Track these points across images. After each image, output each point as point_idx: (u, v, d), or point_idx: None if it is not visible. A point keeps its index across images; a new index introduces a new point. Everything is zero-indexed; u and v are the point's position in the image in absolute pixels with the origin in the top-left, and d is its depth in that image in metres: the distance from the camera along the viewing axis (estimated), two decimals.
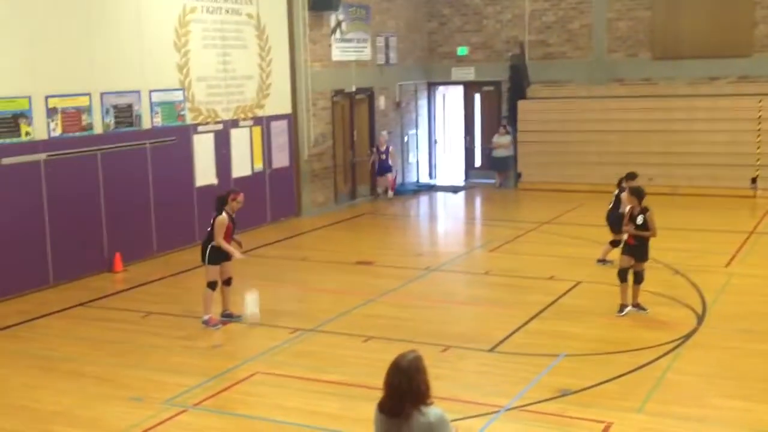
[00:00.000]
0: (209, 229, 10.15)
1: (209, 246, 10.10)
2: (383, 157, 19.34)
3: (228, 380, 8.40)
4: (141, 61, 13.64)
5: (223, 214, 10.04)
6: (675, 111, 19.11)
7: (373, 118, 20.00)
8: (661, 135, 19.17)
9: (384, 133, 19.61)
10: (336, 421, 7.36)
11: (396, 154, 20.12)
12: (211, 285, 10.16)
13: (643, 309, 10.25)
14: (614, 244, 12.42)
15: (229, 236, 10.12)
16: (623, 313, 10.15)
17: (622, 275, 10.23)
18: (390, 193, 19.50)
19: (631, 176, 12.21)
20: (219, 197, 10.33)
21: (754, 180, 18.47)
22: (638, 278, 10.24)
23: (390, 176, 19.50)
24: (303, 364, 8.83)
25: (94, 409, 7.79)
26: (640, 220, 10.09)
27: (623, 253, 10.32)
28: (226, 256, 10.20)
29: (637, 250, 10.19)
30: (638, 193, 10.25)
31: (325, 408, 7.64)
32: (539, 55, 21.06)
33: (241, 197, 10.28)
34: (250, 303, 10.60)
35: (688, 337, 9.37)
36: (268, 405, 7.79)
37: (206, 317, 10.15)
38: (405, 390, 4.27)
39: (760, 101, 18.43)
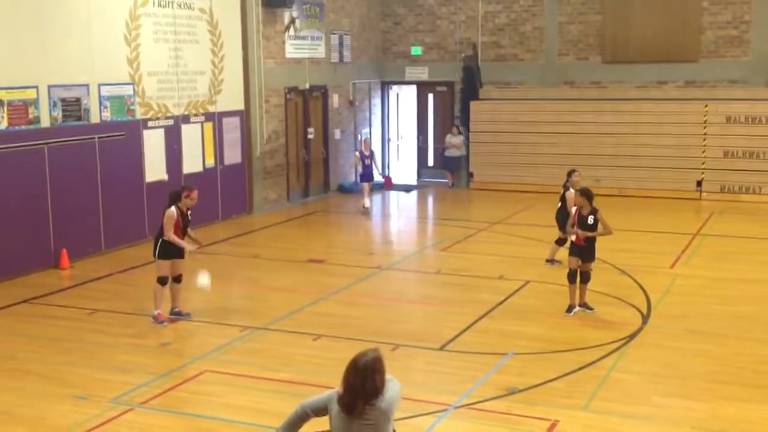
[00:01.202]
0: (160, 224, 10.05)
1: (160, 240, 10.00)
2: (367, 162, 17.75)
3: (176, 379, 8.33)
4: (90, 54, 13.43)
5: (172, 208, 9.94)
6: (624, 114, 19.42)
7: (326, 116, 19.96)
8: (610, 137, 19.46)
9: (366, 134, 18.79)
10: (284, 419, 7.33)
11: (377, 159, 18.57)
12: (161, 280, 10.06)
13: (590, 308, 10.40)
14: (560, 243, 12.61)
15: (179, 231, 10.02)
16: (571, 313, 10.30)
17: (572, 276, 10.37)
18: (367, 201, 17.63)
19: (570, 173, 12.50)
20: (172, 193, 10.24)
21: (699, 183, 18.84)
22: (585, 278, 10.39)
23: (369, 185, 17.77)
24: (252, 362, 8.79)
25: (37, 407, 7.67)
26: (591, 220, 10.23)
27: (571, 254, 10.45)
28: (177, 253, 10.11)
29: (585, 250, 10.34)
30: (588, 194, 10.38)
31: (275, 407, 7.60)
32: (492, 56, 21.23)
33: (194, 194, 10.19)
34: (201, 276, 10.34)
35: (633, 336, 9.54)
36: (217, 404, 7.74)
37: (155, 312, 10.06)
38: (359, 389, 4.34)
39: (706, 106, 18.82)
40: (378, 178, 18.83)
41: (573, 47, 20.64)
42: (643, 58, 19.87)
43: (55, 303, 11.10)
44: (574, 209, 10.51)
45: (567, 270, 10.47)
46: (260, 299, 11.47)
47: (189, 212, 10.20)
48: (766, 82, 19.08)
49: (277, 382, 8.21)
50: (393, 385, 4.55)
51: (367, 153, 17.83)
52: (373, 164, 17.84)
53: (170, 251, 10.05)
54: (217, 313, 10.59)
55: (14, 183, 12.20)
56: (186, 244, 10.09)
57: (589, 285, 10.49)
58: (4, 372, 8.56)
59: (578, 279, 10.38)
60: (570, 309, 10.34)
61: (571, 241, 10.48)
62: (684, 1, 19.44)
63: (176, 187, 10.70)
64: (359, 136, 21.30)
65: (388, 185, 19.03)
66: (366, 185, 17.69)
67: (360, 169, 18.03)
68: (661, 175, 19.03)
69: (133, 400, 7.79)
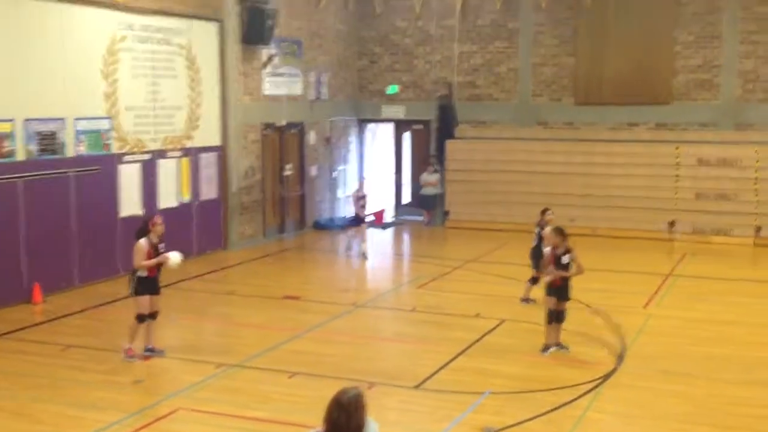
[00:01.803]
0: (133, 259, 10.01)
1: (136, 277, 9.94)
2: (362, 204, 17.04)
3: (149, 416, 8.24)
4: (67, 89, 13.42)
5: (142, 240, 9.90)
6: (596, 155, 19.67)
7: (303, 152, 20.02)
8: (582, 178, 19.69)
9: (363, 178, 17.95)
10: None
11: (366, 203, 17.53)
12: (139, 318, 9.98)
13: (565, 348, 10.45)
14: (533, 281, 12.69)
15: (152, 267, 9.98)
16: (548, 353, 10.33)
17: (551, 316, 10.40)
18: (364, 245, 17.01)
19: (544, 211, 12.69)
20: (138, 230, 10.18)
21: (671, 224, 19.07)
22: (560, 317, 10.45)
23: (362, 228, 17.23)
24: (227, 400, 8.72)
25: None
26: (566, 259, 10.32)
27: (548, 294, 10.49)
28: (152, 290, 10.03)
29: (561, 290, 10.41)
30: (563, 233, 10.49)
31: None
32: (467, 96, 21.46)
33: (158, 219, 10.15)
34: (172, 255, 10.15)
35: (607, 376, 9.59)
36: None
37: (127, 347, 9.96)
38: (343, 426, 4.34)
39: (677, 148, 19.12)
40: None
41: (546, 88, 20.93)
42: (615, 100, 20.17)
43: (27, 338, 10.96)
44: (548, 249, 10.59)
45: (545, 310, 10.49)
46: (235, 336, 11.40)
47: (161, 245, 10.14)
48: (735, 125, 19.44)
49: (253, 420, 8.14)
50: (372, 426, 4.55)
51: (362, 194, 17.15)
52: (366, 205, 17.16)
53: (145, 288, 9.98)
54: (191, 350, 10.52)
55: None
56: (162, 257, 9.98)
57: (564, 324, 10.54)
58: None
59: (552, 319, 10.43)
60: (546, 348, 10.38)
61: (547, 282, 10.53)
62: (656, 44, 19.82)
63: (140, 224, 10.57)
64: (333, 173, 21.37)
65: (378, 221, 18.17)
66: (358, 229, 17.13)
67: (356, 210, 17.17)
68: (632, 215, 19.25)
69: None
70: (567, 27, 20.57)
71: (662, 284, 14.50)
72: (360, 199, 17.06)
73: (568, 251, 10.37)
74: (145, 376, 9.57)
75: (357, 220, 17.18)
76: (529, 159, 20.10)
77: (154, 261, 9.94)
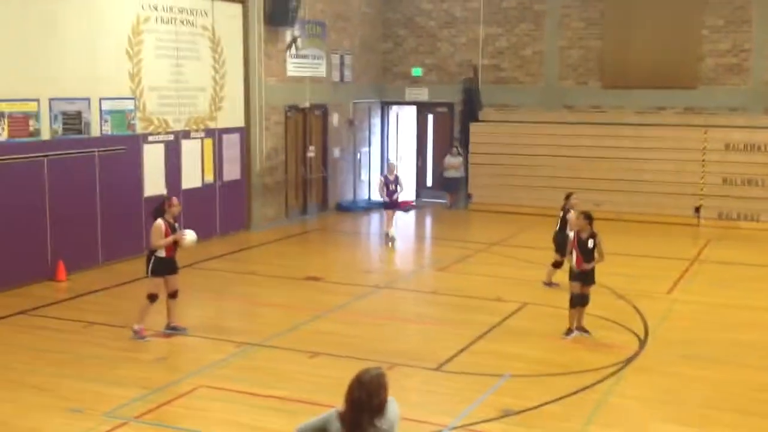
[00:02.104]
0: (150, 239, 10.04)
1: (152, 257, 9.98)
2: (392, 187, 16.37)
3: (170, 393, 8.29)
4: (92, 68, 13.47)
5: (159, 220, 9.94)
6: (623, 139, 19.49)
7: (326, 134, 20.01)
8: (608, 162, 19.53)
9: (393, 160, 17.27)
10: None
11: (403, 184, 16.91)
12: (151, 297, 10.02)
13: (587, 332, 10.38)
14: (556, 265, 12.62)
15: (171, 246, 10.01)
16: (570, 337, 10.26)
17: (576, 301, 10.31)
18: (392, 230, 16.50)
19: (568, 196, 12.60)
20: (155, 209, 10.24)
21: (697, 209, 18.88)
22: (584, 301, 10.37)
23: (393, 213, 16.64)
24: (248, 378, 8.75)
25: (32, 419, 7.62)
26: (591, 244, 10.22)
27: (573, 279, 10.37)
28: (170, 269, 10.07)
29: (587, 274, 10.31)
30: (590, 218, 10.37)
31: (270, 424, 7.58)
32: (492, 79, 21.32)
33: (174, 201, 10.22)
34: (188, 233, 10.16)
35: (630, 361, 9.52)
36: (211, 419, 7.69)
37: (137, 327, 10.02)
38: (364, 405, 4.34)
39: (705, 132, 18.89)
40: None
41: (573, 72, 20.74)
42: (642, 84, 19.96)
43: (51, 315, 11.07)
44: (572, 233, 10.50)
45: (570, 294, 10.39)
46: (257, 316, 11.44)
47: (177, 225, 10.17)
48: (765, 110, 19.17)
49: (273, 399, 8.17)
50: (393, 406, 4.54)
51: (391, 177, 16.51)
52: (398, 189, 16.45)
53: (163, 268, 10.02)
54: (213, 329, 10.56)
55: (13, 195, 12.19)
56: (177, 235, 10.00)
57: (587, 309, 10.47)
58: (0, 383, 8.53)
59: (576, 302, 10.35)
60: (569, 332, 10.31)
61: (572, 266, 10.42)
62: (684, 28, 19.57)
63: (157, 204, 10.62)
64: (358, 155, 21.35)
65: (403, 205, 17.34)
66: (389, 212, 16.54)
67: (384, 195, 16.49)
68: (659, 200, 19.07)
69: (128, 414, 7.75)
70: (594, 10, 20.35)
71: (687, 269, 14.36)
72: (390, 183, 16.44)
73: (593, 236, 10.27)
74: (167, 353, 9.64)
75: (386, 205, 16.60)
76: (554, 143, 19.95)
77: (170, 239, 9.98)
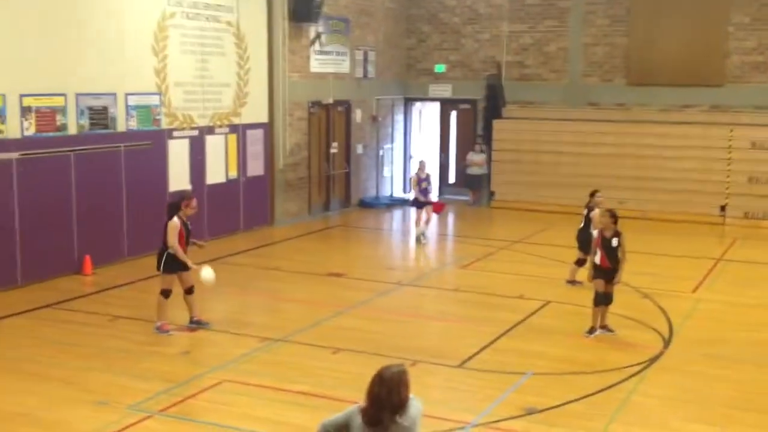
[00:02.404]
0: (164, 236, 10.07)
1: (165, 254, 10.03)
2: (424, 186, 16.20)
3: (194, 387, 8.36)
4: (118, 64, 13.58)
5: (174, 218, 9.98)
6: (647, 136, 19.37)
7: (349, 130, 20.05)
8: (633, 159, 19.41)
9: (422, 160, 17.08)
10: (302, 431, 7.35)
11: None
12: (165, 293, 10.10)
13: (611, 331, 10.34)
14: (579, 263, 12.57)
15: (183, 243, 10.05)
16: (593, 335, 10.22)
17: (600, 299, 10.23)
18: (425, 228, 16.40)
19: (593, 194, 12.55)
20: (170, 204, 10.29)
21: (723, 208, 18.73)
22: (608, 300, 10.32)
23: (426, 211, 16.29)
24: (271, 373, 8.80)
25: (58, 412, 7.72)
26: (615, 243, 10.17)
27: (596, 277, 10.30)
28: (183, 266, 10.12)
29: (610, 273, 10.24)
30: (615, 216, 10.29)
31: (292, 418, 7.63)
32: (515, 75, 21.25)
33: (194, 203, 10.22)
34: (205, 272, 10.20)
35: (653, 360, 9.48)
36: (235, 414, 7.75)
37: (159, 324, 10.10)
38: (384, 401, 4.35)
39: (731, 131, 18.73)
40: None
41: (598, 68, 20.62)
42: (668, 82, 19.81)
43: (77, 308, 11.19)
44: (596, 232, 10.45)
45: (593, 293, 10.31)
46: (280, 311, 11.50)
47: (189, 223, 10.22)
48: None
49: (296, 394, 8.22)
50: (416, 404, 4.55)
51: (423, 176, 16.27)
52: (428, 188, 16.32)
53: (174, 264, 10.06)
54: (236, 324, 10.63)
55: (40, 189, 12.33)
56: (190, 262, 10.06)
57: (611, 308, 10.43)
58: (26, 375, 8.63)
59: (600, 301, 10.30)
60: (592, 331, 10.27)
61: (595, 264, 10.36)
62: (710, 25, 19.41)
63: (174, 198, 10.69)
64: (381, 151, 21.36)
65: (437, 209, 16.80)
66: (422, 212, 16.26)
67: (417, 193, 16.27)
68: (684, 198, 18.93)
69: (152, 407, 7.83)
70: (620, 6, 20.22)
71: (712, 269, 14.26)
72: (422, 181, 16.23)
73: (617, 235, 10.21)
74: (192, 348, 9.72)
75: (418, 204, 16.36)
76: (578, 140, 19.86)
77: (184, 258, 9.97)
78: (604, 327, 10.34)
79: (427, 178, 16.39)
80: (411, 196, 16.31)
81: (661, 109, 19.93)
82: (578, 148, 19.80)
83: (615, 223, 10.24)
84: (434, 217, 17.04)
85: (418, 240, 16.25)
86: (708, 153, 18.87)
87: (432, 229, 18.95)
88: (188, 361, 9.28)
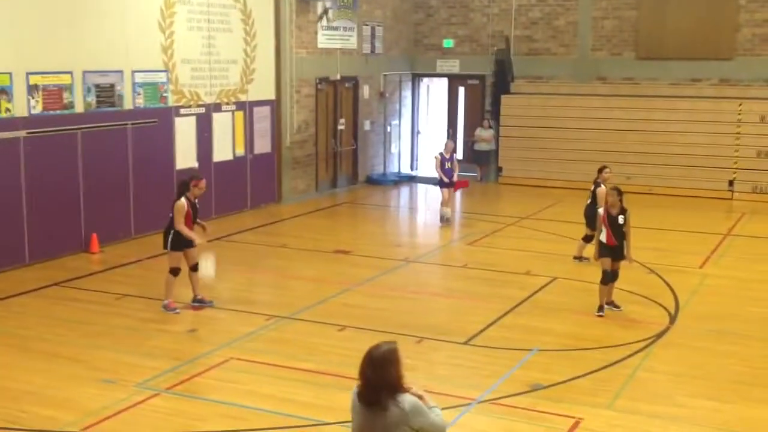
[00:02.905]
0: (170, 214, 10.10)
1: (171, 232, 10.07)
2: (448, 166, 15.72)
3: (201, 365, 8.41)
4: (125, 41, 13.54)
5: (182, 199, 9.99)
6: (656, 111, 19.25)
7: (357, 107, 19.98)
8: (641, 135, 19.30)
9: (448, 140, 16.70)
10: (309, 409, 7.39)
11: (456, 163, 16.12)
12: (173, 271, 10.13)
13: (617, 307, 10.32)
14: (587, 239, 12.54)
15: (189, 222, 10.06)
16: (602, 314, 10.14)
17: (607, 277, 10.14)
18: (448, 210, 15.97)
19: (601, 170, 12.48)
20: (180, 183, 10.32)
21: (731, 183, 18.64)
22: (614, 277, 10.29)
23: (450, 192, 15.92)
24: (277, 351, 8.84)
25: (66, 389, 7.77)
26: (621, 220, 10.12)
27: (603, 255, 10.20)
28: (188, 242, 10.15)
29: (616, 250, 10.19)
30: (620, 192, 10.23)
31: (299, 396, 7.67)
32: (524, 50, 21.11)
33: (203, 183, 10.23)
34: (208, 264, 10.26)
35: (659, 336, 9.48)
36: (242, 391, 7.79)
37: (166, 301, 10.16)
38: (376, 381, 4.30)
39: (740, 105, 18.60)
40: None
41: (607, 42, 20.47)
42: (677, 55, 19.65)
43: (85, 287, 11.24)
44: (602, 210, 10.36)
45: (601, 270, 10.21)
46: (286, 288, 11.53)
47: (197, 202, 10.24)
48: None
49: (302, 371, 8.25)
50: (408, 399, 4.40)
51: (448, 156, 15.78)
52: (454, 168, 15.80)
53: (181, 242, 10.08)
54: (243, 302, 10.67)
55: (47, 167, 12.35)
56: (195, 237, 10.09)
57: (617, 283, 10.41)
58: (34, 353, 8.69)
59: (608, 279, 10.24)
60: (600, 309, 10.18)
61: (601, 241, 10.27)
62: None
63: (184, 177, 10.74)
64: (388, 127, 21.29)
65: (458, 187, 16.28)
66: (446, 191, 15.80)
67: (440, 174, 15.77)
68: (692, 173, 18.84)
69: (160, 385, 7.88)
70: None
71: (720, 244, 14.22)
72: (446, 161, 15.72)
73: (623, 212, 10.16)
74: (198, 325, 9.76)
75: (443, 184, 15.80)
76: (587, 115, 19.76)
77: (190, 234, 10.01)
78: (610, 303, 10.33)
79: (451, 158, 15.82)
80: (437, 175, 15.88)
81: (671, 83, 19.78)
82: (586, 123, 19.70)
83: (621, 200, 10.19)
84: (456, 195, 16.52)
85: (442, 219, 15.88)
86: (717, 127, 18.75)
87: (439, 205, 18.97)
88: (195, 339, 9.32)
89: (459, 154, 22.08)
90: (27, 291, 10.93)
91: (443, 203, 15.91)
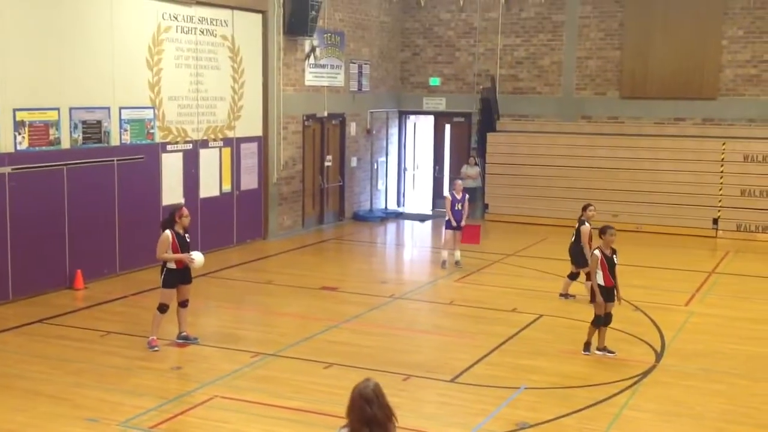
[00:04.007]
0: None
1: (164, 269, 10.02)
2: (458, 207, 14.88)
3: (186, 404, 8.32)
4: (112, 78, 13.58)
5: (167, 231, 9.96)
6: (641, 150, 19.42)
7: (344, 143, 20.06)
8: (626, 173, 19.46)
9: (458, 180, 15.77)
10: None
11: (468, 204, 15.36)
12: (161, 308, 10.06)
13: (611, 353, 10.08)
14: (572, 277, 12.57)
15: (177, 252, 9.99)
16: (588, 353, 10.03)
17: (600, 320, 9.96)
18: (457, 253, 15.10)
19: (585, 207, 12.54)
20: (164, 220, 10.30)
21: (715, 221, 18.77)
22: (608, 320, 10.11)
23: (458, 235, 15.05)
24: (263, 389, 8.77)
25: (47, 428, 7.67)
26: (616, 259, 10.02)
27: (605, 299, 9.95)
28: (183, 279, 10.10)
29: (609, 291, 10.02)
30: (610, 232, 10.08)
31: None
32: (509, 89, 21.32)
33: (184, 211, 10.17)
34: (195, 255, 10.12)
35: (646, 374, 9.47)
36: (227, 430, 7.72)
37: (150, 338, 10.07)
38: (383, 417, 4.33)
39: (723, 144, 18.79)
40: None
41: (591, 82, 20.71)
42: (661, 95, 19.91)
43: (69, 324, 11.14)
44: (597, 251, 10.04)
45: (594, 313, 10.06)
46: (272, 325, 11.47)
47: (187, 235, 10.17)
48: None
49: (288, 410, 8.18)
50: None
51: (458, 196, 14.96)
52: (465, 210, 14.98)
53: (175, 279, 10.05)
54: (228, 339, 10.60)
55: (33, 203, 12.30)
56: (184, 255, 9.97)
57: (612, 324, 10.28)
58: (15, 392, 8.58)
59: (599, 323, 10.05)
60: (587, 347, 10.06)
61: (601, 285, 9.94)
62: (703, 38, 19.50)
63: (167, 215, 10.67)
64: (375, 164, 21.37)
65: (468, 240, 15.21)
66: (451, 235, 15.03)
67: (450, 216, 14.90)
68: (677, 211, 18.97)
69: (144, 423, 7.79)
70: (613, 20, 20.32)
71: (705, 282, 14.27)
72: (457, 202, 14.91)
73: (615, 252, 10.05)
74: (184, 363, 9.68)
75: (450, 226, 14.97)
76: (571, 153, 19.91)
77: (177, 257, 9.95)
78: (603, 349, 10.10)
79: (462, 199, 14.96)
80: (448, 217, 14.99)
81: (654, 122, 20.01)
82: (572, 161, 19.85)
83: (612, 239, 10.05)
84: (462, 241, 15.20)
85: (443, 265, 14.95)
86: (701, 166, 18.93)
87: (425, 242, 18.99)
88: (180, 377, 9.24)
89: (446, 191, 22.27)
90: (9, 328, 10.82)
91: (445, 246, 15.21)
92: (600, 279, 10.01)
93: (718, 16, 19.36)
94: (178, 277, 10.04)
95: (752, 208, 18.48)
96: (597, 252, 10.08)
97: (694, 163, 18.97)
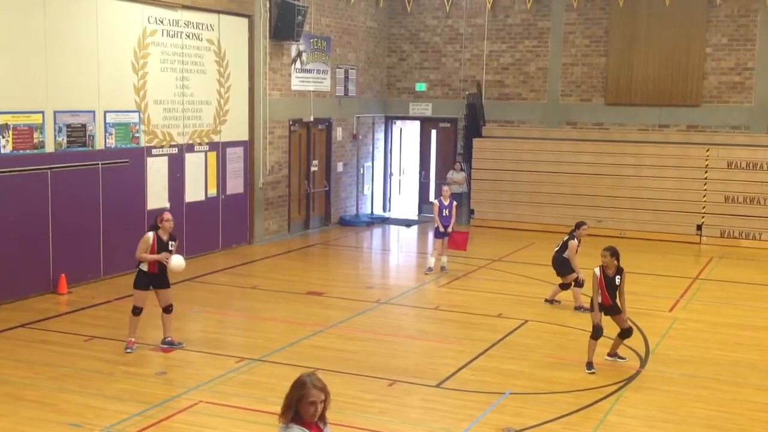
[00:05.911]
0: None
1: (138, 270, 10.01)
2: (445, 213, 14.84)
3: (170, 409, 8.28)
4: (97, 81, 13.53)
5: (149, 232, 10.01)
6: (625, 156, 19.52)
7: (330, 148, 20.06)
8: (611, 179, 19.55)
9: (446, 186, 15.74)
10: None
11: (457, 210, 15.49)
12: (134, 310, 10.06)
13: (622, 358, 10.09)
14: (563, 287, 12.58)
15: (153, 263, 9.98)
16: (591, 371, 9.69)
17: (598, 333, 9.81)
18: (444, 258, 15.05)
19: (579, 225, 12.47)
20: (151, 226, 10.30)
21: (699, 227, 18.88)
22: (627, 333, 9.97)
23: (444, 242, 14.97)
24: (248, 394, 8.74)
25: None
26: (618, 281, 9.85)
27: (599, 310, 9.85)
28: (158, 283, 10.07)
29: (611, 309, 9.92)
30: (617, 254, 9.83)
31: None
32: (495, 95, 21.38)
33: (166, 215, 10.22)
34: (174, 258, 10.06)
35: (630, 379, 9.51)
36: None
37: (127, 340, 10.08)
38: (326, 404, 4.57)
39: (707, 151, 18.91)
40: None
41: (576, 88, 20.80)
42: (645, 101, 20.03)
43: (52, 328, 11.07)
44: (597, 270, 9.82)
45: (592, 325, 9.89)
46: (257, 330, 11.43)
47: (172, 244, 10.12)
48: (767, 129, 19.19)
49: (273, 415, 8.08)
50: None
51: (446, 202, 14.96)
52: (452, 216, 14.94)
53: (146, 282, 10.02)
54: (213, 344, 10.56)
55: (16, 207, 12.23)
56: (160, 255, 9.92)
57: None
58: None
59: (599, 334, 9.87)
60: (590, 366, 9.75)
61: (600, 304, 9.83)
62: (688, 46, 19.63)
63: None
64: (361, 169, 21.37)
65: (455, 246, 15.16)
66: (439, 242, 14.97)
67: (437, 222, 14.86)
68: (661, 218, 19.08)
69: (127, 429, 7.74)
70: (598, 27, 20.43)
71: (689, 288, 14.35)
72: (444, 208, 14.89)
73: (619, 272, 9.85)
74: (168, 368, 9.63)
75: (438, 233, 14.95)
76: (557, 159, 19.99)
77: (152, 257, 9.93)
78: (614, 355, 10.09)
79: (450, 205, 14.94)
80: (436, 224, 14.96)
81: (639, 128, 20.12)
82: (557, 167, 19.92)
83: (617, 261, 9.82)
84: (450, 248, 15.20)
85: (428, 271, 15.02)
86: (685, 173, 19.05)
87: (411, 247, 18.99)
88: (164, 382, 9.19)
89: (432, 197, 22.32)
90: None
91: (434, 253, 15.21)
92: (599, 298, 9.84)
93: (702, 23, 19.50)
94: (150, 280, 10.03)
95: (736, 214, 18.60)
96: (596, 270, 9.87)
97: (678, 169, 19.08)
